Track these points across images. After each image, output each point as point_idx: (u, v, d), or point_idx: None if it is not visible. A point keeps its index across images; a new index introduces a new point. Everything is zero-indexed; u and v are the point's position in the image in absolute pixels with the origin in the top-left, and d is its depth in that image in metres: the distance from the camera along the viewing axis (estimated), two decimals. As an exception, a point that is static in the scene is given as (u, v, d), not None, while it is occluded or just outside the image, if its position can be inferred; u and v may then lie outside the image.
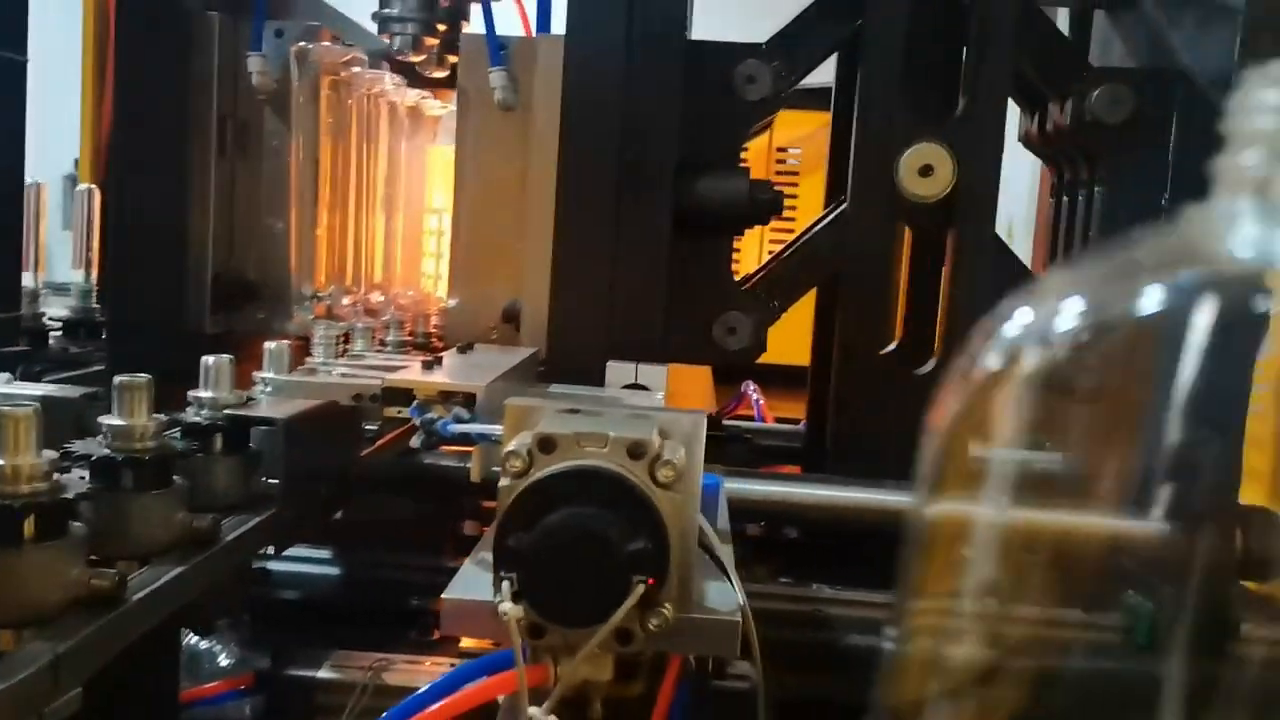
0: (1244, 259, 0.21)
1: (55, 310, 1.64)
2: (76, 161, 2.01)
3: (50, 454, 0.69)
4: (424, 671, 1.12)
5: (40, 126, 1.57)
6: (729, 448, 1.45)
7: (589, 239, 1.24)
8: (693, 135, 1.26)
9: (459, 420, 0.79)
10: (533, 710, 0.58)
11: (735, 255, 1.37)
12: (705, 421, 0.67)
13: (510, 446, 0.62)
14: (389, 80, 1.53)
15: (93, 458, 0.78)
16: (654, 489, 0.60)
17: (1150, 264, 0.23)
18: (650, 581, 0.58)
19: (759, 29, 1.31)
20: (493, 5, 1.31)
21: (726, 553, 0.72)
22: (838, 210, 1.32)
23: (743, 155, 1.35)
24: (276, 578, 1.32)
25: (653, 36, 1.23)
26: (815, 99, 1.58)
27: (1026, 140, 1.49)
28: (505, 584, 0.58)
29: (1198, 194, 0.93)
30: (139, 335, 1.32)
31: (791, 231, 1.67)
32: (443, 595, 0.68)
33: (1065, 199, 1.46)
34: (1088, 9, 1.54)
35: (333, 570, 1.37)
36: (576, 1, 1.24)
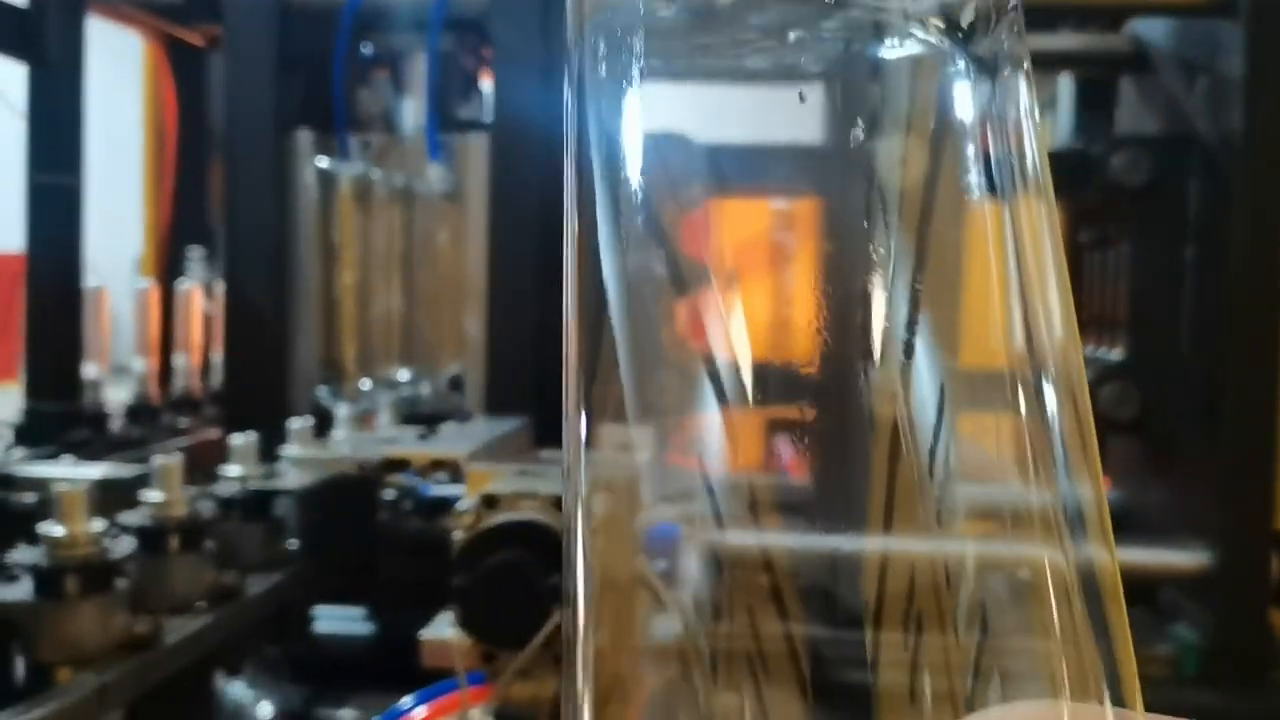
0: None
1: (117, 393, 1.81)
2: (138, 259, 2.21)
3: (100, 523, 0.85)
4: None
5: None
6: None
7: (516, 313, 1.35)
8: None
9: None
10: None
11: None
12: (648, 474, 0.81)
13: (461, 505, 0.76)
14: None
15: (138, 527, 0.93)
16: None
17: None
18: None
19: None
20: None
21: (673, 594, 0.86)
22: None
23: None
24: (318, 634, 1.46)
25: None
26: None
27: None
28: (450, 616, 0.72)
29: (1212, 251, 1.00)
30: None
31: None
32: (420, 634, 0.83)
33: (1090, 255, 1.56)
34: (1114, 76, 1.62)
35: (371, 627, 1.50)
36: (498, 97, 1.38)
